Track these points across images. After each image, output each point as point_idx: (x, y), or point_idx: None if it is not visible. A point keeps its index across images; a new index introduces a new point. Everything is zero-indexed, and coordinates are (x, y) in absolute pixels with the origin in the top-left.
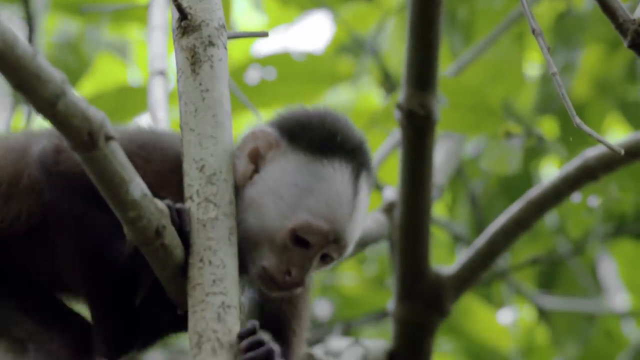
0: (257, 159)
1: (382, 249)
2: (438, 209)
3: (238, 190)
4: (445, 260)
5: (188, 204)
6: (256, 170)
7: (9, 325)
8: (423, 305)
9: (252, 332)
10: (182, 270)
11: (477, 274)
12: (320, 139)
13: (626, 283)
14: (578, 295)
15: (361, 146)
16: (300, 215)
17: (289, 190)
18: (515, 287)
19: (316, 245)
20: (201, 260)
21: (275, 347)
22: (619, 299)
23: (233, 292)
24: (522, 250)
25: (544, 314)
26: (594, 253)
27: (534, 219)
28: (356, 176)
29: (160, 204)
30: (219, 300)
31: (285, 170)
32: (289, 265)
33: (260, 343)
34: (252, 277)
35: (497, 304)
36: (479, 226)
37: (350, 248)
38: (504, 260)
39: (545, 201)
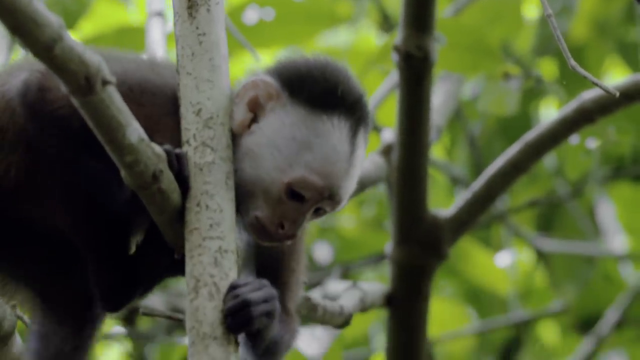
0: (256, 109)
1: (380, 190)
2: (436, 151)
3: (235, 138)
4: (444, 202)
5: (185, 148)
6: (255, 120)
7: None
8: (420, 248)
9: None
10: (179, 215)
11: (474, 216)
12: (320, 92)
13: (624, 226)
14: (576, 238)
15: (360, 100)
16: (297, 170)
17: (287, 144)
18: (514, 230)
19: (311, 200)
20: (198, 204)
21: (263, 308)
22: (618, 241)
23: (230, 237)
24: (521, 193)
25: (542, 257)
26: (592, 195)
27: (532, 162)
28: (354, 132)
29: (158, 148)
30: (215, 245)
31: (284, 123)
32: (282, 218)
33: (246, 304)
34: (245, 225)
35: (495, 246)
36: (477, 168)
37: (344, 203)
38: (503, 203)
39: (543, 144)
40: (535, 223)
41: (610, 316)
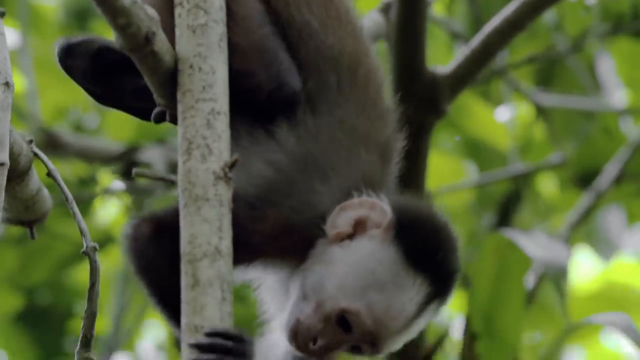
0: (358, 227)
1: (380, 49)
2: (437, 7)
3: (319, 238)
4: (444, 58)
5: (178, 10)
6: (350, 236)
7: None
8: (418, 104)
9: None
10: (172, 77)
11: (473, 73)
12: (421, 249)
13: (624, 80)
14: (576, 93)
15: (451, 276)
16: (357, 301)
17: (364, 275)
18: (514, 85)
19: (354, 334)
20: (191, 66)
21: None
22: (617, 96)
23: (223, 99)
24: (521, 48)
25: (542, 111)
26: (592, 51)
27: (529, 20)
28: (428, 301)
29: (150, 10)
30: (208, 107)
31: (374, 255)
32: (320, 334)
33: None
34: (284, 321)
35: (495, 101)
36: (476, 24)
37: (382, 355)
38: (502, 58)
39: (541, 1)
40: (535, 78)
41: (610, 171)
